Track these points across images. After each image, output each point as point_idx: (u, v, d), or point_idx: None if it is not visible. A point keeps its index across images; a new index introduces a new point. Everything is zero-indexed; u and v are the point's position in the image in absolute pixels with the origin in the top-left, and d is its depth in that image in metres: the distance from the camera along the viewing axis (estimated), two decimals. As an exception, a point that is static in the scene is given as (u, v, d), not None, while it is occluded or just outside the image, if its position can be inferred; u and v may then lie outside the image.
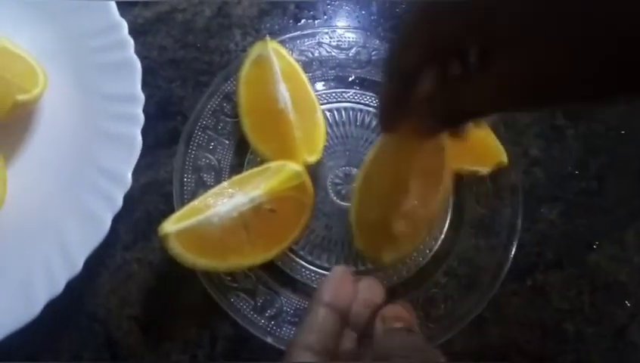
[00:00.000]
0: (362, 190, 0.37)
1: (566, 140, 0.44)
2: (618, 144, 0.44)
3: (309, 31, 0.44)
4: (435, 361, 0.25)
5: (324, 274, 0.38)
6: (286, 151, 0.37)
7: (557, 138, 0.44)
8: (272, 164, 0.37)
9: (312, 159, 0.37)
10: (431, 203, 0.35)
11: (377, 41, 0.44)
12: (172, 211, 0.37)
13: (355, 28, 0.46)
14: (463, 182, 0.40)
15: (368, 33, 0.45)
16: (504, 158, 0.39)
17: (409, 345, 0.26)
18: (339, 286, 0.29)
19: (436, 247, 0.39)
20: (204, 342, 0.37)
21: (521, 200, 0.39)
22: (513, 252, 0.37)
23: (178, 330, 0.37)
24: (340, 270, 0.30)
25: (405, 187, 0.35)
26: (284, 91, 0.38)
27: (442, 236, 0.40)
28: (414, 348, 0.26)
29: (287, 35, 0.43)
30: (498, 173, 0.39)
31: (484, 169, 0.39)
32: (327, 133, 0.41)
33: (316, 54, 0.44)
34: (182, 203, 0.38)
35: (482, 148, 0.39)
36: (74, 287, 0.34)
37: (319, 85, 0.43)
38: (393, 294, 0.36)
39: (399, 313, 0.29)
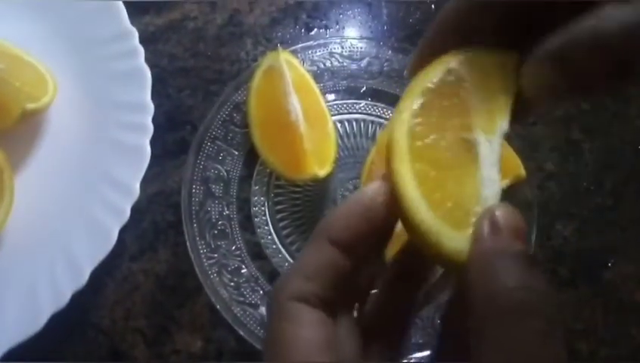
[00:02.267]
0: None
1: (581, 154, 0.43)
2: (634, 159, 0.43)
3: (321, 41, 0.44)
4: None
5: (332, 289, 0.37)
6: (296, 164, 0.37)
7: (572, 152, 0.43)
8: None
9: (323, 172, 0.37)
10: None
11: (390, 52, 0.44)
12: (179, 222, 0.37)
13: (367, 38, 0.46)
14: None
15: (381, 43, 0.44)
16: (522, 171, 0.38)
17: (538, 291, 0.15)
18: (354, 214, 0.18)
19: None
20: (209, 357, 0.36)
21: (535, 216, 0.38)
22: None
23: (183, 343, 0.36)
24: (367, 192, 0.19)
25: None
26: (295, 103, 0.38)
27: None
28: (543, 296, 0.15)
29: (299, 45, 0.43)
30: (512, 188, 0.39)
31: (502, 182, 0.38)
32: (338, 145, 0.40)
33: (328, 65, 0.43)
34: (190, 214, 0.37)
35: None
36: (79, 297, 0.34)
37: (330, 96, 0.43)
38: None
39: (516, 222, 0.16)
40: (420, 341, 0.36)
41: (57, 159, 0.38)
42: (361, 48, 0.44)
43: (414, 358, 0.34)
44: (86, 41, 0.41)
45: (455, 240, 0.16)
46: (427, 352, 0.35)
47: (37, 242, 0.35)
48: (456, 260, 0.16)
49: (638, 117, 0.44)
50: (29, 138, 0.38)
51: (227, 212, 0.39)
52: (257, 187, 0.40)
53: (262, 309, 0.36)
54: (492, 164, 0.18)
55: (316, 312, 0.17)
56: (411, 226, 0.17)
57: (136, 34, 0.40)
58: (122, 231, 0.35)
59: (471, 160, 0.18)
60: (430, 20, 0.48)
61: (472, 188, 0.17)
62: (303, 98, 0.38)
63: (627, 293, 0.39)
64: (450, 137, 0.18)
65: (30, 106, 0.36)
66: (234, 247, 0.38)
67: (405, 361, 0.34)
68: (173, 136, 0.42)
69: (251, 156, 0.40)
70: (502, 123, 0.18)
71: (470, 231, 0.16)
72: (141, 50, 0.40)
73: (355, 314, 0.20)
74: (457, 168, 0.18)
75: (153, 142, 0.38)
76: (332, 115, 0.41)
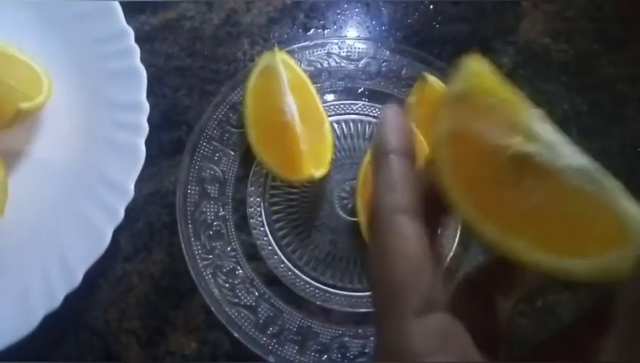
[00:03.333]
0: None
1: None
2: (633, 161, 0.43)
3: (319, 41, 0.43)
4: None
5: (328, 291, 0.37)
6: (292, 164, 0.36)
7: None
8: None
9: (319, 173, 0.36)
10: None
11: (388, 53, 0.43)
12: (174, 223, 0.37)
13: (365, 38, 0.45)
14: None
15: (379, 44, 0.44)
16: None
17: None
18: (401, 125, 0.20)
19: (445, 264, 0.38)
20: (204, 358, 0.36)
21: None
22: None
23: (178, 345, 0.36)
24: (392, 108, 0.20)
25: None
26: (291, 103, 0.37)
27: (452, 253, 0.38)
28: None
29: (296, 45, 0.43)
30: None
31: None
32: (335, 146, 0.40)
33: (325, 65, 0.43)
34: (185, 215, 0.37)
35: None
36: (73, 298, 0.33)
37: (328, 97, 0.43)
38: None
39: None
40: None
41: (51, 159, 0.37)
42: (359, 48, 0.44)
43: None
44: (82, 40, 0.40)
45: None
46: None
47: (30, 242, 0.35)
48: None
49: (636, 119, 0.44)
50: (23, 138, 0.38)
51: (222, 212, 0.38)
52: (253, 188, 0.40)
53: (259, 309, 0.36)
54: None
55: (416, 223, 0.18)
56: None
57: (132, 33, 0.40)
58: (117, 232, 0.35)
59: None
60: (428, 21, 0.47)
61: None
62: (300, 99, 0.38)
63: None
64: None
65: (24, 105, 0.36)
66: (229, 248, 0.37)
67: None
68: (169, 136, 0.41)
69: (247, 157, 0.40)
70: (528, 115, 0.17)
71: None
72: (137, 49, 0.39)
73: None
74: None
75: (148, 142, 0.37)
76: (329, 115, 0.41)
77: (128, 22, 0.41)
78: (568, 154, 0.16)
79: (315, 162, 0.37)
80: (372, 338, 0.36)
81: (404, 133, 0.20)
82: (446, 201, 0.18)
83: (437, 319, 0.17)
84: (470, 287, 0.21)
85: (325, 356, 0.35)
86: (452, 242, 0.39)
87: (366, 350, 0.35)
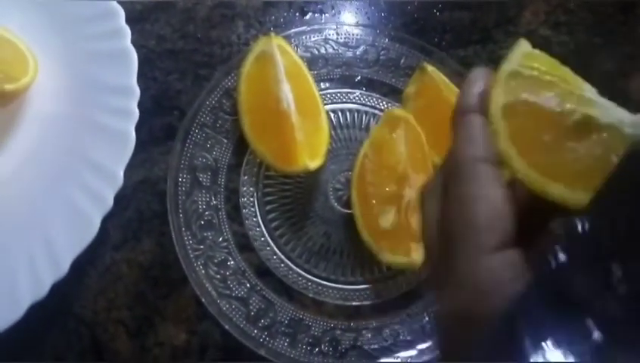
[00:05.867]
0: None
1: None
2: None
3: (316, 26, 0.42)
4: None
5: (321, 284, 0.37)
6: (286, 154, 0.36)
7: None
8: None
9: (314, 164, 0.36)
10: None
11: (387, 40, 0.42)
12: (165, 211, 0.36)
13: (363, 25, 0.44)
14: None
15: (377, 31, 0.43)
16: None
17: None
18: (482, 89, 0.21)
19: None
20: (193, 350, 0.35)
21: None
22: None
23: (167, 336, 0.35)
24: (480, 71, 0.22)
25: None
26: (287, 91, 0.36)
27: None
28: None
29: (293, 30, 0.41)
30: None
31: None
32: (331, 135, 0.39)
33: (322, 51, 0.42)
34: (176, 204, 0.36)
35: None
36: (60, 287, 0.33)
37: (324, 85, 0.42)
38: (406, 299, 0.36)
39: None
40: (409, 338, 0.35)
41: (36, 144, 0.36)
42: (357, 35, 0.43)
43: (401, 357, 0.34)
44: (69, 19, 0.39)
45: None
46: (413, 351, 0.34)
47: (16, 230, 0.34)
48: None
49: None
50: (8, 121, 0.36)
51: (214, 202, 0.37)
52: (246, 177, 0.39)
53: (250, 301, 0.35)
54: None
55: (498, 171, 0.19)
56: None
57: (122, 13, 0.38)
58: (106, 220, 0.34)
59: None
60: (428, 9, 0.46)
61: None
62: (296, 86, 0.37)
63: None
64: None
65: (9, 87, 0.34)
66: (221, 239, 0.37)
67: (393, 360, 0.34)
68: (160, 121, 0.40)
69: (241, 145, 0.39)
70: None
71: None
72: (128, 30, 0.38)
73: None
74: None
75: (138, 127, 0.36)
76: (325, 104, 0.40)
77: (118, 1, 0.39)
78: (622, 113, 0.19)
79: (310, 153, 0.36)
80: (364, 331, 0.35)
81: (486, 96, 0.21)
82: (507, 170, 0.19)
83: (511, 253, 0.18)
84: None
85: (317, 349, 0.34)
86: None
87: (358, 343, 0.35)
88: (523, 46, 0.21)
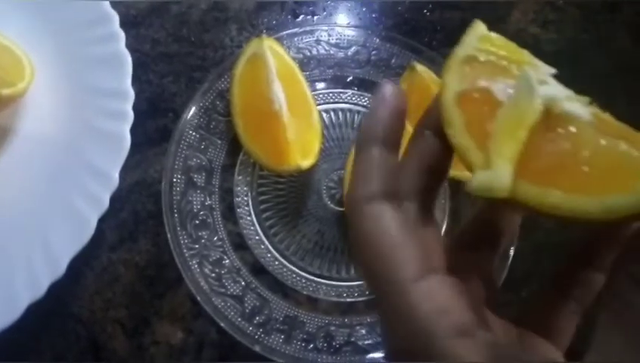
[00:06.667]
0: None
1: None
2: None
3: (308, 28, 0.43)
4: None
5: (315, 281, 0.37)
6: (279, 154, 0.36)
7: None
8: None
9: (306, 163, 0.36)
10: None
11: (378, 41, 0.43)
12: (160, 212, 0.37)
13: (355, 26, 0.45)
14: (460, 189, 0.39)
15: (369, 32, 0.43)
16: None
17: None
18: (387, 114, 0.20)
19: (441, 231, 0.38)
20: (190, 349, 0.36)
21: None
22: (509, 261, 0.36)
23: (164, 334, 0.36)
24: (388, 90, 0.20)
25: None
26: (278, 92, 0.37)
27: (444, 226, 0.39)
28: None
29: (285, 32, 0.42)
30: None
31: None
32: (323, 135, 0.40)
33: (314, 52, 0.42)
34: (171, 204, 0.37)
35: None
36: (57, 287, 0.33)
37: (316, 85, 0.42)
38: None
39: None
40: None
41: (33, 147, 0.37)
42: (348, 36, 0.43)
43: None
44: (65, 24, 0.39)
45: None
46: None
47: (13, 231, 0.34)
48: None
49: (625, 111, 0.44)
50: (5, 125, 0.37)
51: (209, 202, 0.38)
52: (240, 177, 0.39)
53: (245, 299, 0.36)
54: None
55: (389, 203, 0.19)
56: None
57: (117, 18, 0.39)
58: (102, 221, 0.35)
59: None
60: (419, 9, 0.47)
61: None
62: (287, 87, 0.37)
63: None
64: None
65: (5, 91, 0.35)
66: (215, 238, 0.37)
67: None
68: (155, 124, 0.41)
69: (234, 146, 0.39)
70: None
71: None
72: (122, 34, 0.39)
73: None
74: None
75: (134, 130, 0.37)
76: (317, 104, 0.40)
77: (113, 6, 0.40)
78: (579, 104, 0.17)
79: (302, 152, 0.36)
80: (359, 327, 0.36)
81: (391, 119, 0.20)
82: (464, 163, 0.18)
83: (435, 280, 0.17)
84: (460, 247, 0.22)
85: (311, 345, 0.35)
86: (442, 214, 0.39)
87: (352, 339, 0.35)
88: (479, 29, 0.20)
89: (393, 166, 0.19)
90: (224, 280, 0.36)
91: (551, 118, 0.17)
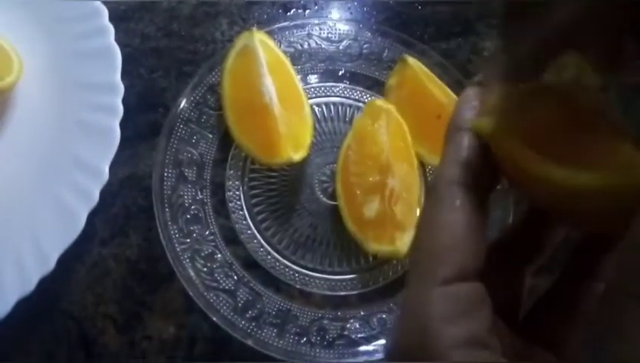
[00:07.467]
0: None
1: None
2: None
3: (299, 22, 0.43)
4: None
5: (308, 275, 0.37)
6: (270, 147, 0.36)
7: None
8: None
9: (297, 156, 0.36)
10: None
11: (369, 34, 0.43)
12: (151, 206, 0.36)
13: (346, 20, 0.45)
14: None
15: (360, 26, 0.43)
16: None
17: None
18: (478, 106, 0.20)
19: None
20: (182, 344, 0.35)
21: (512, 201, 0.38)
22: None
23: (155, 329, 0.36)
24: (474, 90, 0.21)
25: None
26: (269, 85, 0.37)
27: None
28: None
29: (276, 26, 0.42)
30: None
31: None
32: (315, 129, 0.39)
33: (305, 46, 0.42)
34: (162, 199, 0.36)
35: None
36: (48, 282, 0.33)
37: (308, 79, 0.42)
38: (392, 288, 0.36)
39: None
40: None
41: (22, 141, 0.36)
42: (340, 29, 0.43)
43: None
44: (54, 18, 0.39)
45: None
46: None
47: (2, 226, 0.34)
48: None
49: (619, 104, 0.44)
50: (-7, 119, 0.37)
51: (200, 196, 0.38)
52: (232, 171, 0.39)
53: (238, 293, 0.35)
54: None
55: (469, 195, 0.18)
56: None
57: (106, 12, 0.39)
58: (93, 216, 0.34)
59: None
60: (410, 3, 0.47)
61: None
62: (278, 80, 0.37)
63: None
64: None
65: (-6, 85, 0.35)
66: (207, 232, 0.37)
67: (373, 347, 0.34)
68: (145, 118, 0.41)
69: (226, 140, 0.39)
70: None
71: None
72: (111, 28, 0.38)
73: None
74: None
75: (124, 124, 0.36)
76: (309, 98, 0.40)
77: (102, 0, 0.39)
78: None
79: (293, 145, 0.36)
80: (352, 320, 0.36)
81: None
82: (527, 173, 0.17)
83: (463, 287, 0.17)
84: (498, 253, 0.21)
85: (304, 339, 0.35)
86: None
87: (345, 333, 0.35)
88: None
89: (480, 157, 0.19)
90: (216, 275, 0.36)
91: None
